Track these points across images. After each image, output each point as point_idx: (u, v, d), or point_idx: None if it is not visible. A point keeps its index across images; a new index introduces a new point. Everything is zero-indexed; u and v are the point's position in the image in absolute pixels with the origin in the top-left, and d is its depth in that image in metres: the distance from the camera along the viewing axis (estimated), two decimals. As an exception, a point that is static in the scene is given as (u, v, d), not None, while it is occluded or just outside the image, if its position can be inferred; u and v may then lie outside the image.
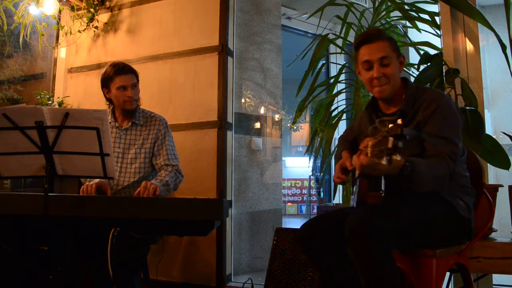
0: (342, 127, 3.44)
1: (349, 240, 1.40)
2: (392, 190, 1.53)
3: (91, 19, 3.41)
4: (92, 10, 3.40)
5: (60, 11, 3.40)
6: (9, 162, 1.63)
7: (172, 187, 2.19)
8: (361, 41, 1.66)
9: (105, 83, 2.24)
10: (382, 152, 1.25)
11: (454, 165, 1.50)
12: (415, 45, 2.81)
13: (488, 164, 2.13)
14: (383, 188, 1.54)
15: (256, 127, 3.44)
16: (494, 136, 2.12)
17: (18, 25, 3.22)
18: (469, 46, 2.38)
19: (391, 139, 1.25)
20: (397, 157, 1.25)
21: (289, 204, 7.34)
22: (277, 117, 3.63)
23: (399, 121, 1.29)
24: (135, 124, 2.29)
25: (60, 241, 1.71)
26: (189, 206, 1.65)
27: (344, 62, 4.37)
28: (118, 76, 2.19)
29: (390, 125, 1.28)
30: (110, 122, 2.30)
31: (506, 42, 1.98)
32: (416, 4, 2.76)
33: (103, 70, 2.26)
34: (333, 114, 3.18)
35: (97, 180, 2.08)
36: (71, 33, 3.41)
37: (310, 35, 5.38)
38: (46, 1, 3.10)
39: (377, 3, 3.02)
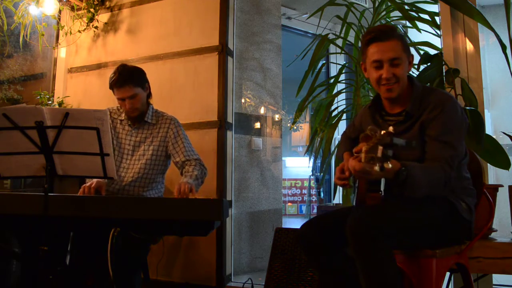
0: (342, 127, 3.44)
1: (350, 239, 1.40)
2: (392, 190, 1.52)
3: (91, 19, 3.41)
4: (92, 10, 3.40)
5: (60, 11, 3.40)
6: (9, 162, 1.63)
7: (200, 181, 2.18)
8: (373, 38, 1.58)
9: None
10: (373, 160, 1.26)
11: (450, 170, 1.49)
12: (415, 45, 2.81)
13: (488, 164, 2.13)
14: (382, 189, 1.53)
15: (256, 127, 3.43)
16: (494, 136, 2.11)
17: (18, 25, 3.22)
18: (469, 46, 2.37)
19: (380, 148, 1.25)
20: (388, 165, 1.26)
21: (289, 204, 7.33)
22: (277, 117, 3.63)
23: (391, 129, 1.29)
24: (147, 123, 2.30)
25: (60, 241, 1.72)
26: (189, 206, 1.65)
27: (344, 62, 4.37)
28: (115, 88, 2.18)
29: (383, 132, 1.28)
30: (123, 119, 2.33)
31: (506, 42, 1.98)
32: (416, 4, 2.76)
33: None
34: (333, 114, 3.19)
35: (94, 181, 2.08)
36: (71, 33, 3.41)
37: (310, 35, 5.39)
38: (46, 1, 3.10)
39: (377, 3, 3.02)
